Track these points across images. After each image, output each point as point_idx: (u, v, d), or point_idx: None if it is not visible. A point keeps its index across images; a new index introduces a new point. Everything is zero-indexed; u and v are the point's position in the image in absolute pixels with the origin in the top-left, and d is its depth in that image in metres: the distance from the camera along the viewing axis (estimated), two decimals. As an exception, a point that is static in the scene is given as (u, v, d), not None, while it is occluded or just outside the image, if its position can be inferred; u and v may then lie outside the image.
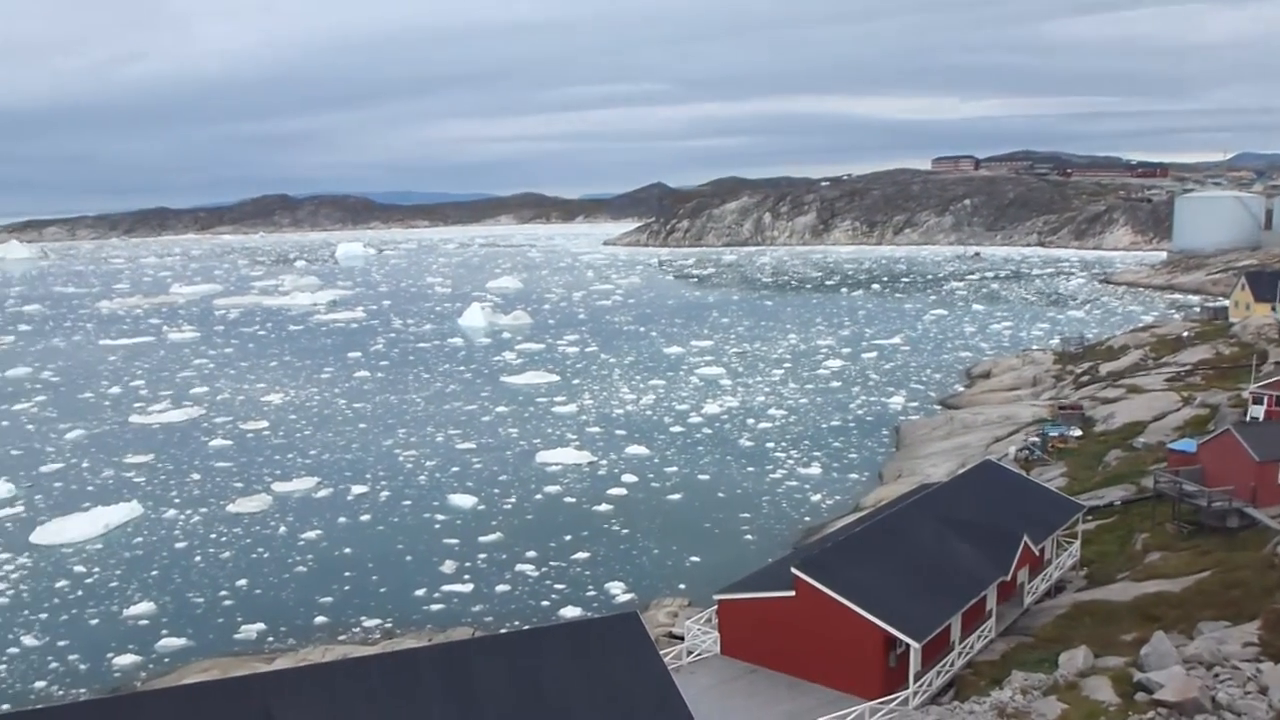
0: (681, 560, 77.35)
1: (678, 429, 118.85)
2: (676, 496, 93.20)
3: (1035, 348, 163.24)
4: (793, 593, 45.65)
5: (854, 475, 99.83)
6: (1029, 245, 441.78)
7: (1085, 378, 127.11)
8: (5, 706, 56.70)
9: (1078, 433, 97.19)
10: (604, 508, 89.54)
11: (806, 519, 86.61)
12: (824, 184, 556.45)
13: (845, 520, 75.48)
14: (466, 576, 74.91)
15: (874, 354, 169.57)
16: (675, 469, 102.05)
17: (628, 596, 70.28)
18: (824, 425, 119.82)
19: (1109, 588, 56.64)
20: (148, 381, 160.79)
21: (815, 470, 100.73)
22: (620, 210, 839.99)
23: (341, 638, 65.70)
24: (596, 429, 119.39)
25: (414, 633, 65.48)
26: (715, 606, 50.59)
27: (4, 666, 63.15)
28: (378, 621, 67.97)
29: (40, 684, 60.91)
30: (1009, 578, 51.02)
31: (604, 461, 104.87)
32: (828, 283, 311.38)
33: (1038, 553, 54.84)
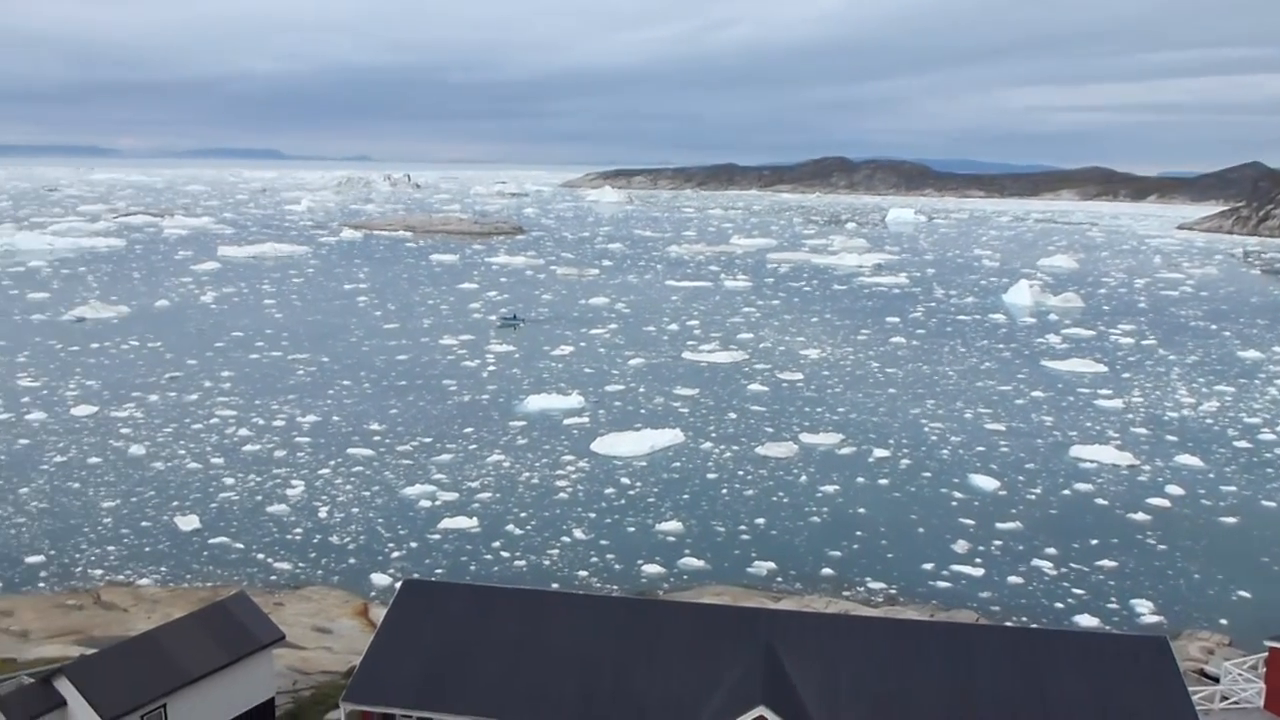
0: (1227, 592, 68.46)
1: (1243, 444, 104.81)
2: (1231, 520, 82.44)
3: None
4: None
5: None
6: None
7: None
8: (555, 586, 65.14)
9: None
10: (1140, 517, 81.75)
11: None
12: None
13: None
14: (978, 560, 72.57)
15: None
16: (1234, 488, 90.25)
17: (1155, 618, 63.77)
18: None
19: None
20: (701, 323, 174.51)
21: None
22: (1202, 192, 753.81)
23: (845, 593, 66.90)
24: (1143, 430, 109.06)
25: (916, 605, 64.89)
26: (1266, 654, 44.16)
27: (557, 552, 72.63)
28: (882, 586, 68.22)
29: (583, 573, 69.30)
30: None
31: (1147, 467, 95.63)
32: None
33: None
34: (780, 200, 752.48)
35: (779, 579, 69.39)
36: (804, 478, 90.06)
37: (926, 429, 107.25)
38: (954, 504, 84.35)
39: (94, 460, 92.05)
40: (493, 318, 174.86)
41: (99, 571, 68.96)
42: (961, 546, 74.88)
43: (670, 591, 66.21)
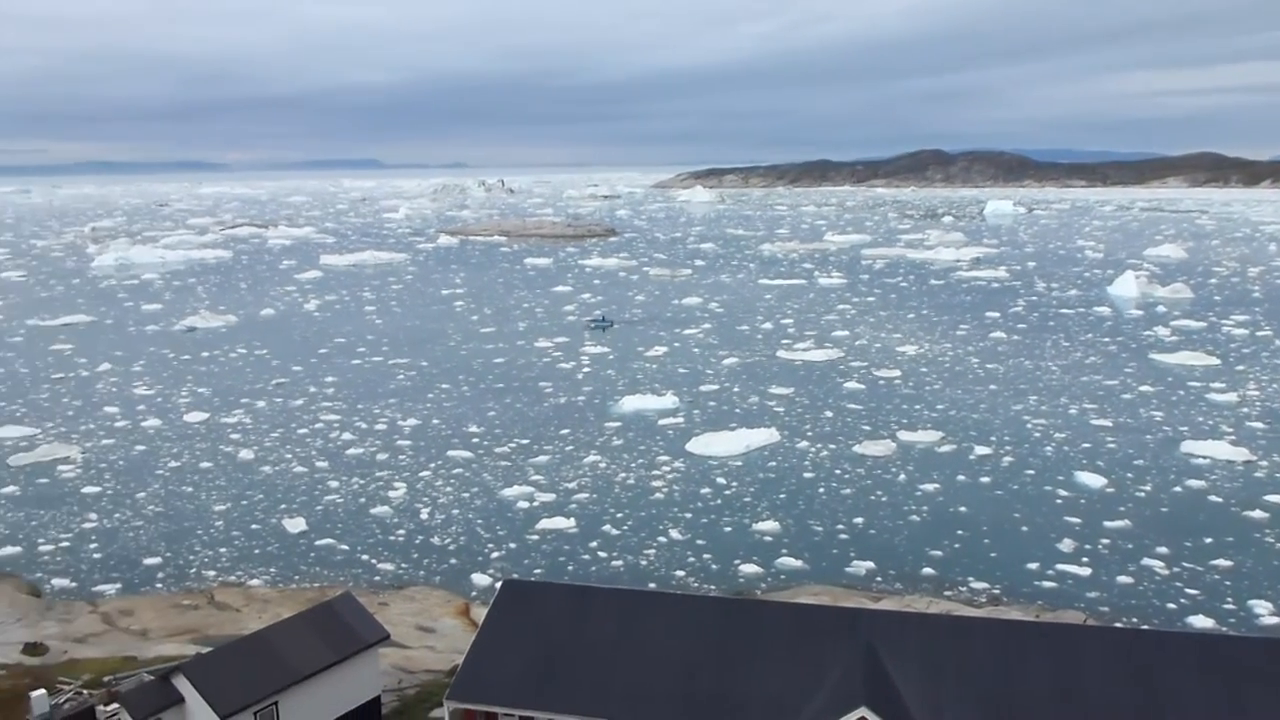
0: (1355, 593, 65.35)
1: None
2: (1357, 517, 78.69)
3: None
4: None
5: None
6: None
7: None
8: (652, 586, 65.32)
9: None
10: (1258, 514, 78.54)
11: None
12: None
13: None
14: (1085, 559, 70.54)
15: None
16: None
17: (1275, 620, 61.25)
18: None
19: None
20: (796, 321, 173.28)
21: None
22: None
23: (947, 593, 65.71)
24: (1259, 424, 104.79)
25: (1020, 605, 63.40)
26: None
27: (654, 553, 72.81)
28: (985, 585, 66.81)
29: (680, 573, 69.33)
30: None
31: (1264, 463, 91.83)
32: None
33: None
34: (875, 195, 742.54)
35: (878, 579, 68.47)
36: (903, 476, 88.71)
37: (1029, 425, 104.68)
38: (1059, 502, 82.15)
39: (206, 465, 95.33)
40: (587, 319, 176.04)
41: (212, 573, 71.38)
42: (1068, 545, 72.89)
43: (768, 591, 65.86)
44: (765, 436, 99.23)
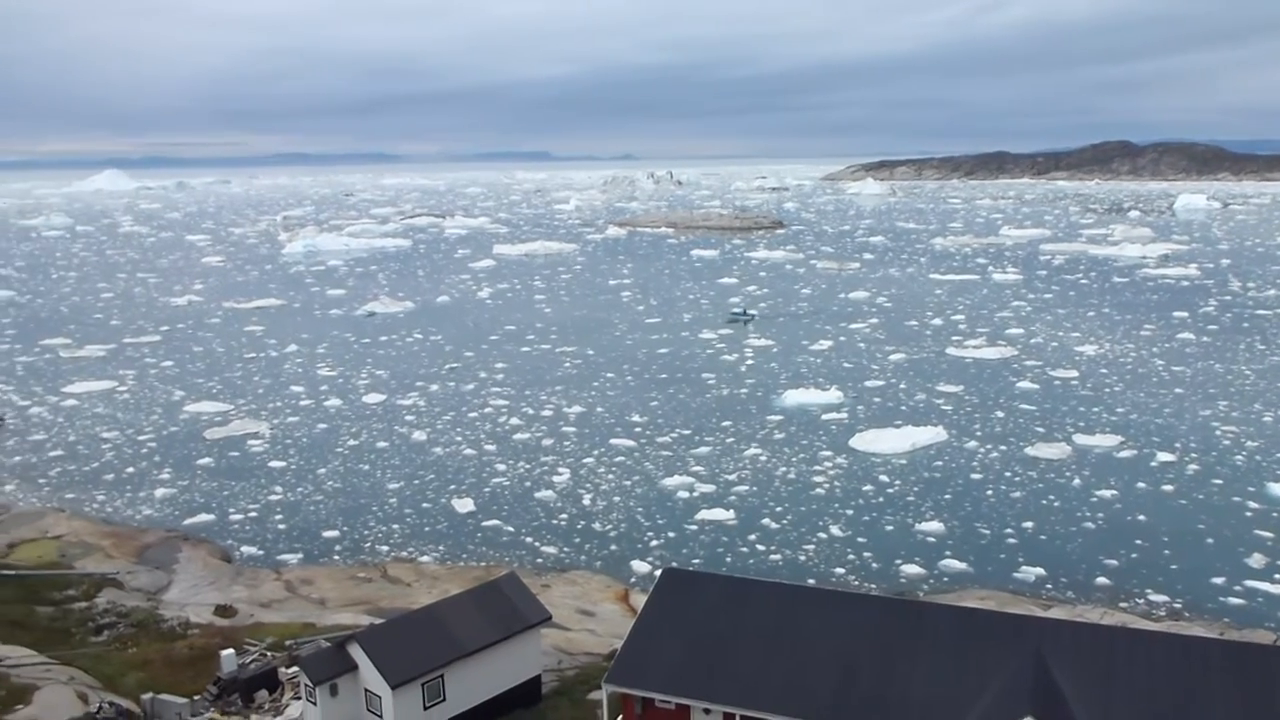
0: None
1: None
2: None
3: None
4: None
5: None
6: None
7: None
8: (810, 581, 64.78)
9: None
10: None
11: None
12: None
13: None
14: (1277, 576, 66.18)
15: None
16: None
17: None
18: None
19: None
20: (967, 317, 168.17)
21: None
22: None
23: (1123, 605, 62.78)
24: None
25: (1203, 621, 59.99)
26: None
27: (813, 548, 72.17)
28: (1164, 599, 63.51)
29: (839, 570, 68.53)
30: None
31: None
32: None
33: None
34: (1055, 188, 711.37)
35: (1048, 586, 65.97)
36: (1077, 481, 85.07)
37: (1219, 432, 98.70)
38: (1249, 514, 77.23)
39: (382, 444, 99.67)
40: (738, 311, 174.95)
41: (385, 547, 74.68)
42: (1258, 560, 68.50)
43: (930, 594, 64.37)
44: (932, 435, 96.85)
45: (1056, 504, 79.96)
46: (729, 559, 70.72)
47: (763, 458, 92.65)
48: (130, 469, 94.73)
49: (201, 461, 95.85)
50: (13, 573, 66.53)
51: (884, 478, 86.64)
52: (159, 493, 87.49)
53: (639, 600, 62.10)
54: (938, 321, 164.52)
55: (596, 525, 77.73)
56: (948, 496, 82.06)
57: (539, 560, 71.99)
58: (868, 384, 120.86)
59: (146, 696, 45.68)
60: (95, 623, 58.14)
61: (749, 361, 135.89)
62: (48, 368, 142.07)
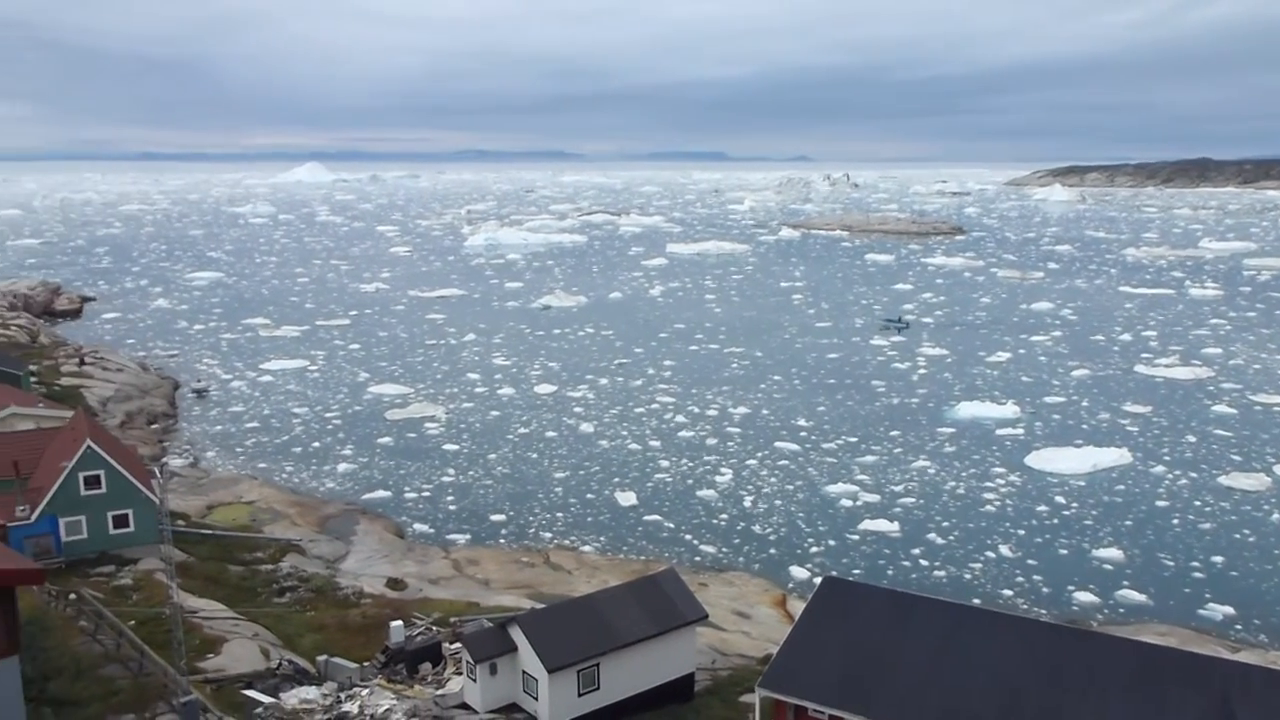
0: None
1: None
2: None
3: None
4: None
5: None
6: None
7: None
8: (976, 601, 62.59)
9: None
10: None
11: None
12: None
13: None
14: None
15: None
16: None
17: None
18: None
19: None
20: (1159, 334, 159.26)
21: None
22: None
23: (1322, 652, 58.24)
24: None
25: None
26: None
27: (980, 567, 69.79)
28: (1372, 649, 58.60)
29: (1007, 592, 66.03)
30: None
31: None
32: None
33: None
34: (1265, 198, 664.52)
35: (1238, 626, 61.84)
36: (1276, 515, 79.38)
37: None
38: None
39: (550, 434, 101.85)
40: (891, 318, 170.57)
41: (549, 534, 76.30)
42: None
43: (1105, 624, 61.29)
44: (1115, 457, 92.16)
45: (1251, 539, 74.83)
46: (890, 571, 69.15)
47: (931, 470, 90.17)
48: (316, 443, 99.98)
49: (381, 440, 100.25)
50: (210, 532, 71.22)
51: (1060, 499, 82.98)
52: (341, 467, 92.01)
53: (796, 606, 61.47)
54: (1126, 337, 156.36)
55: (756, 528, 77.30)
56: (1129, 523, 77.94)
57: (697, 558, 72.13)
58: (1047, 400, 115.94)
59: (321, 658, 48.09)
60: (279, 585, 61.57)
61: (921, 370, 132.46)
62: (248, 345, 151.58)
